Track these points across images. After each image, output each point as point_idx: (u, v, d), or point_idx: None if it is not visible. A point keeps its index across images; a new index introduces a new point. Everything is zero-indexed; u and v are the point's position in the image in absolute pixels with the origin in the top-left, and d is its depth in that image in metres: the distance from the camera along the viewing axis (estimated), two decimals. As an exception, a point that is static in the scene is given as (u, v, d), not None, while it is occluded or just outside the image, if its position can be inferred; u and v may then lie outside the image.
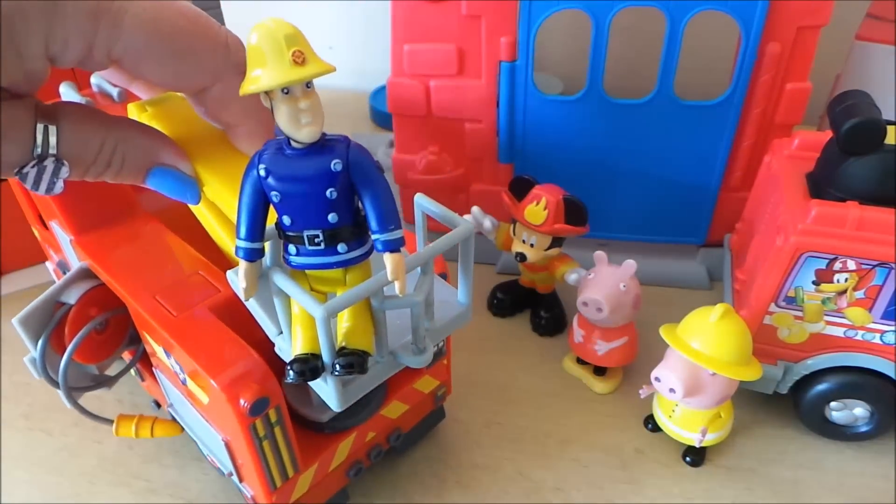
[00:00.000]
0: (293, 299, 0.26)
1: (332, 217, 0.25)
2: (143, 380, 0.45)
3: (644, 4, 0.46)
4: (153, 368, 0.40)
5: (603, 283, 0.44)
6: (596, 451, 0.45)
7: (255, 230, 0.25)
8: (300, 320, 0.26)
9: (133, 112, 0.35)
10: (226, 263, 0.36)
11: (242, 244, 0.25)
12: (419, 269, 0.27)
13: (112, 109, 0.34)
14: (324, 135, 0.24)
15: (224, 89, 0.31)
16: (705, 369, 0.39)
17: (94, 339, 0.39)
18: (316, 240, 0.25)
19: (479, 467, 0.44)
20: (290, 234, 0.25)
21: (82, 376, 0.41)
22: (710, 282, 0.58)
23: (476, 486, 0.43)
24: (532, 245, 0.48)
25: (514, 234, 0.50)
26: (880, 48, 0.57)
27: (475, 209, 0.50)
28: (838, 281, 0.39)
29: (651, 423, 0.46)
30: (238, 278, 0.26)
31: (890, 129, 0.38)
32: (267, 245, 0.26)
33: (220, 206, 0.33)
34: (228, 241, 0.35)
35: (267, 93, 0.23)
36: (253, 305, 0.29)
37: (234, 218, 0.31)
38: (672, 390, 0.40)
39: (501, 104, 0.53)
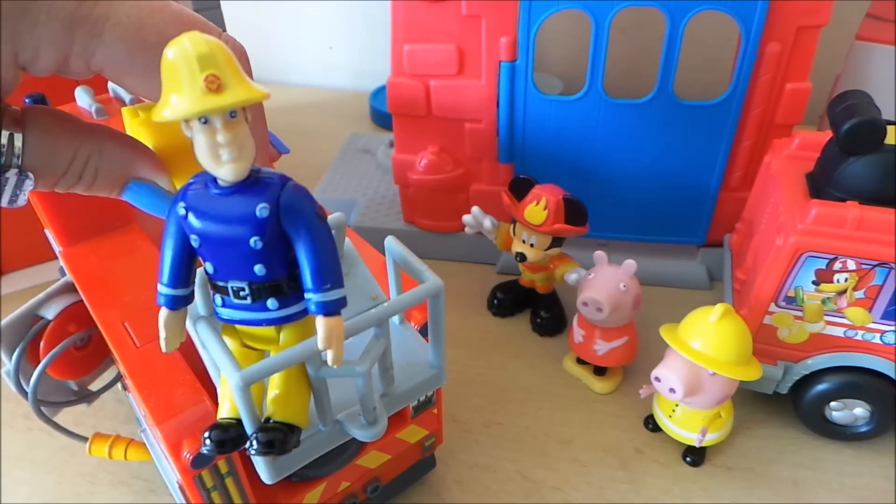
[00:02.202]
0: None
1: (258, 269, 0.21)
2: (129, 395, 0.45)
3: (644, 4, 0.46)
4: (126, 392, 0.38)
5: (603, 283, 0.44)
6: (596, 451, 0.45)
7: (178, 274, 0.22)
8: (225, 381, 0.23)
9: (125, 117, 0.34)
10: None
11: (163, 290, 0.22)
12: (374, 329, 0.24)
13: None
14: (257, 171, 0.21)
15: None
16: (705, 369, 0.39)
17: (72, 355, 0.37)
18: (241, 293, 0.22)
19: (479, 467, 0.44)
20: (216, 282, 0.22)
21: (61, 391, 0.40)
22: (710, 282, 0.58)
23: (476, 486, 0.43)
24: (532, 245, 0.49)
25: (514, 234, 0.50)
26: (880, 48, 0.57)
27: (475, 209, 0.50)
28: (838, 281, 0.39)
29: (651, 423, 0.46)
30: (159, 328, 0.23)
31: (890, 129, 0.38)
32: (198, 292, 0.24)
33: None
34: None
35: (186, 120, 0.20)
36: (201, 350, 0.25)
37: None
38: (672, 390, 0.40)
39: (501, 104, 0.53)
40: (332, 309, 0.21)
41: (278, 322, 0.22)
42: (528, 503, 0.42)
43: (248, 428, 0.22)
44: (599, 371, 0.49)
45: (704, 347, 0.39)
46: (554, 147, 0.54)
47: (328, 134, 0.84)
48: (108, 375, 0.43)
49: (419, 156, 0.57)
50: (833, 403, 0.43)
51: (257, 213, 0.20)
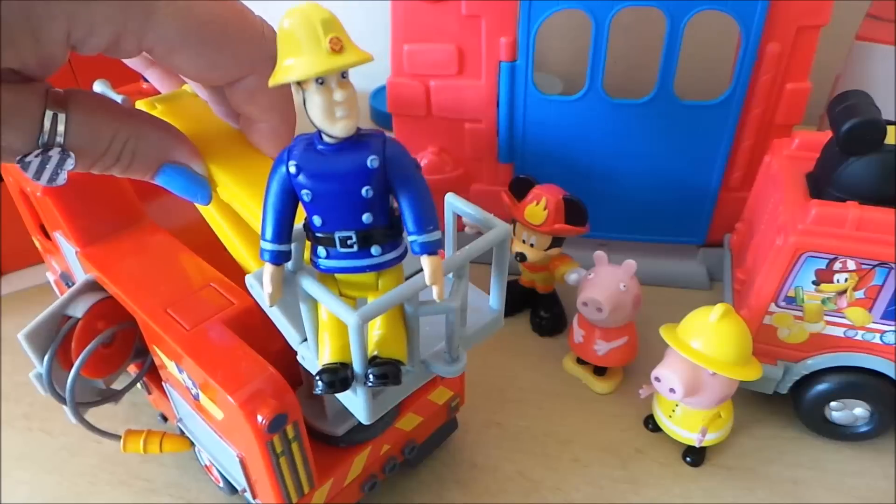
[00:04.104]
0: (322, 305, 0.24)
1: (366, 217, 0.23)
2: (149, 393, 0.45)
3: (644, 4, 0.46)
4: (163, 383, 0.39)
5: (603, 283, 0.44)
6: (596, 451, 0.45)
7: (283, 231, 0.24)
8: (328, 327, 0.25)
9: (142, 108, 0.34)
10: (238, 273, 0.35)
11: (268, 246, 0.24)
12: (450, 274, 0.26)
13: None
14: (358, 129, 0.23)
15: (256, 81, 0.29)
16: (705, 369, 0.39)
17: (100, 354, 0.38)
18: (348, 242, 0.23)
19: (479, 467, 0.44)
20: (321, 235, 0.24)
21: (89, 391, 0.41)
22: (710, 282, 0.58)
23: (476, 486, 0.43)
24: (532, 245, 0.48)
25: (515, 234, 0.50)
26: (880, 48, 0.57)
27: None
28: (838, 281, 0.39)
29: (651, 423, 0.46)
30: (263, 283, 0.24)
31: (890, 129, 0.38)
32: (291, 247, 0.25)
33: (236, 207, 0.32)
34: (241, 248, 0.34)
35: (299, 84, 0.22)
36: (275, 312, 0.27)
37: (250, 221, 0.30)
38: (672, 390, 0.40)
39: (501, 104, 0.53)
40: (434, 248, 0.23)
41: (380, 267, 0.24)
42: (528, 503, 0.42)
43: (360, 365, 0.24)
44: (599, 371, 0.49)
45: (704, 347, 0.39)
46: (554, 147, 0.54)
47: (328, 134, 0.84)
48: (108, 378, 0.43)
49: (419, 156, 0.57)
50: (833, 403, 0.43)
51: (368, 164, 0.22)
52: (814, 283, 0.40)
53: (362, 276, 0.25)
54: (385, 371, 0.24)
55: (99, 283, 0.38)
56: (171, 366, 0.35)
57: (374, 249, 0.24)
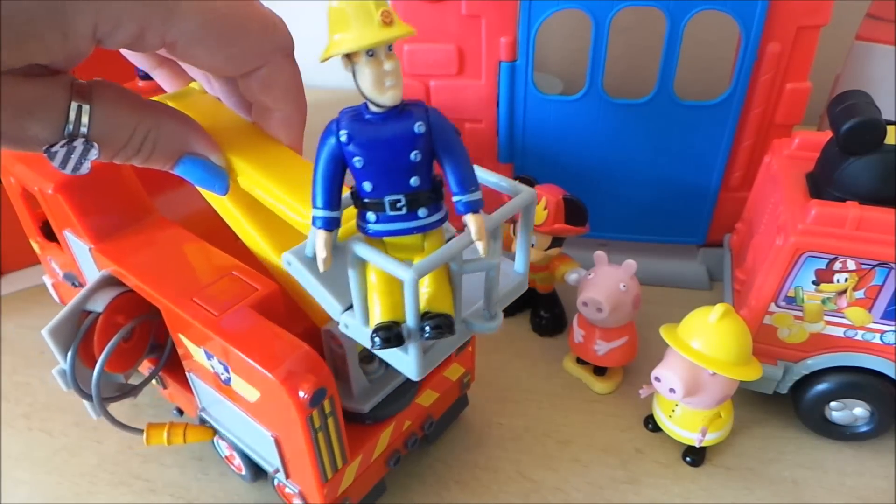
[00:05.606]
0: (373, 267, 0.26)
1: (413, 181, 0.25)
2: (164, 387, 0.45)
3: (644, 4, 0.46)
4: (186, 373, 0.39)
5: (603, 283, 0.44)
6: (596, 451, 0.45)
7: (333, 199, 0.25)
8: (378, 288, 0.26)
9: None
10: (251, 263, 0.36)
11: (320, 213, 0.25)
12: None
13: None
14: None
15: (271, 71, 0.30)
16: (705, 369, 0.39)
17: (121, 348, 0.38)
18: (398, 205, 0.25)
19: (479, 467, 0.44)
20: (370, 200, 0.25)
21: (109, 386, 0.41)
22: (710, 282, 0.58)
23: (476, 486, 0.43)
24: (532, 245, 0.48)
25: (515, 234, 0.50)
26: (880, 48, 0.57)
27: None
28: (838, 281, 0.39)
29: (651, 423, 0.46)
30: (317, 248, 0.25)
31: (890, 129, 0.38)
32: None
33: (257, 194, 0.32)
34: (258, 237, 0.35)
35: (349, 57, 0.23)
36: (313, 283, 0.28)
37: (273, 206, 0.32)
38: (672, 390, 0.40)
39: (501, 104, 0.53)
40: (477, 207, 0.25)
41: (426, 229, 0.25)
42: (528, 503, 0.42)
43: (414, 320, 0.25)
44: (599, 371, 0.49)
45: (704, 347, 0.39)
46: (554, 147, 0.54)
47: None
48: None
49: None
50: (833, 403, 0.43)
51: (416, 130, 0.24)
52: (814, 283, 0.40)
53: (409, 239, 0.26)
54: (440, 322, 0.25)
55: (115, 278, 0.38)
56: (198, 353, 0.35)
57: (421, 212, 0.25)
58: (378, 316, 0.26)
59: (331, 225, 0.25)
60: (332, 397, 0.32)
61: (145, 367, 0.44)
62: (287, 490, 0.38)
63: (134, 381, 0.42)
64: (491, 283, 0.27)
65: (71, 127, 0.26)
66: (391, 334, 0.25)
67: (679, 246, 0.59)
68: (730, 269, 0.51)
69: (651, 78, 0.50)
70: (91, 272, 0.41)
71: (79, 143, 0.26)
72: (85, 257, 0.40)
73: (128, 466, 0.45)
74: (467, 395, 0.46)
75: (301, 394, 0.30)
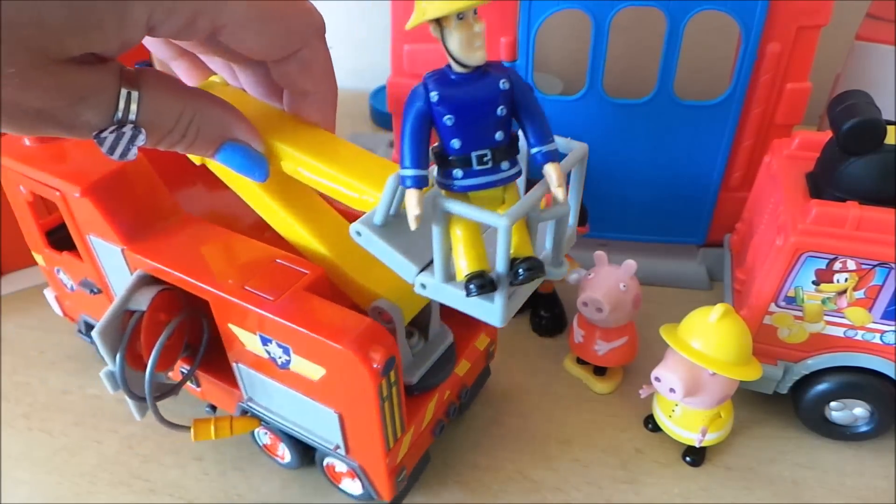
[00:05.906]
0: (457, 221, 0.27)
1: (498, 135, 0.26)
2: (198, 386, 0.45)
3: (644, 4, 0.46)
4: (233, 364, 0.39)
5: (603, 283, 0.44)
6: (596, 451, 0.45)
7: (422, 158, 0.26)
8: (463, 240, 0.27)
9: None
10: (285, 251, 0.36)
11: (410, 172, 0.26)
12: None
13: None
14: None
15: (309, 53, 0.31)
16: (705, 369, 0.39)
17: (164, 346, 0.38)
18: (484, 159, 0.26)
19: (480, 467, 0.44)
20: (457, 157, 0.26)
21: (154, 386, 0.40)
22: (710, 282, 0.58)
23: (476, 486, 0.43)
24: (532, 245, 0.48)
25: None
26: (880, 48, 0.57)
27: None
28: (838, 281, 0.39)
29: (651, 423, 0.46)
30: (409, 206, 0.26)
31: (890, 129, 0.38)
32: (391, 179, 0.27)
33: (307, 175, 0.33)
34: (296, 224, 0.35)
35: (439, 22, 0.24)
36: (386, 249, 0.29)
37: (320, 185, 0.33)
38: (672, 390, 0.40)
39: (501, 104, 0.53)
40: (556, 157, 0.26)
41: (508, 181, 0.27)
42: (529, 503, 0.42)
43: (505, 265, 0.26)
44: (599, 371, 0.49)
45: (704, 347, 0.39)
46: (554, 147, 0.54)
47: (328, 134, 0.84)
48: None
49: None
50: (833, 403, 0.43)
51: (501, 86, 0.25)
52: (814, 283, 0.40)
53: (491, 192, 0.27)
54: (532, 265, 0.26)
55: (152, 277, 0.38)
56: (252, 341, 0.36)
57: (504, 165, 0.26)
58: (465, 268, 0.27)
59: (421, 183, 0.26)
60: (397, 367, 0.33)
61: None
62: (338, 469, 0.39)
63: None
64: (561, 230, 0.29)
65: (120, 114, 0.26)
66: (485, 281, 0.26)
67: (679, 246, 0.59)
68: (730, 269, 0.51)
69: (651, 78, 0.50)
70: (120, 275, 0.41)
71: (127, 129, 0.27)
72: (114, 260, 0.40)
73: (128, 466, 0.45)
74: (490, 367, 0.47)
75: (374, 364, 0.31)
